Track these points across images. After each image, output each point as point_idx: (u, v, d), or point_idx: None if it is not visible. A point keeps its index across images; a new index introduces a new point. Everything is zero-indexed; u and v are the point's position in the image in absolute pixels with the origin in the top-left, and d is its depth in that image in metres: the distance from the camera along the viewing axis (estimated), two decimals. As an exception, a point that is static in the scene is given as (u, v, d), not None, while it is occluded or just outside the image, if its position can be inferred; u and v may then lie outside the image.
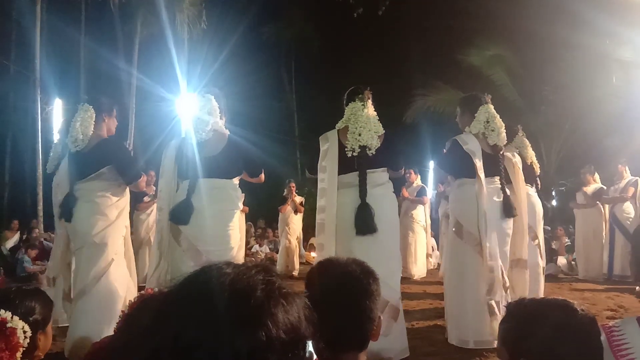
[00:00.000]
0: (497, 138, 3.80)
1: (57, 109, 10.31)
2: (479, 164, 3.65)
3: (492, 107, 3.91)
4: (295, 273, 8.19)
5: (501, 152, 3.87)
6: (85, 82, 15.47)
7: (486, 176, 3.70)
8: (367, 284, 1.41)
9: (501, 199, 3.79)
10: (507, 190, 3.83)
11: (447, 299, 3.89)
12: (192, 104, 4.33)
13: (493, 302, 3.50)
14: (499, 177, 3.84)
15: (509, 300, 3.57)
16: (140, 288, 6.26)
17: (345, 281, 1.39)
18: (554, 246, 9.08)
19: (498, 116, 3.88)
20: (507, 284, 3.75)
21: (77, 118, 3.63)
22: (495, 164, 3.80)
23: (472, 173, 3.70)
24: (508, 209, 3.77)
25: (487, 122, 3.83)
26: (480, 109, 3.86)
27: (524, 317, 1.16)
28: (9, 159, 15.52)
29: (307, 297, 1.41)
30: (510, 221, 3.87)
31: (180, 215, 3.29)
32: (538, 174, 4.55)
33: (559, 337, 1.08)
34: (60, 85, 12.85)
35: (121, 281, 3.55)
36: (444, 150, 4.97)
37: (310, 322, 0.74)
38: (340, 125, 3.50)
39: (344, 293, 1.37)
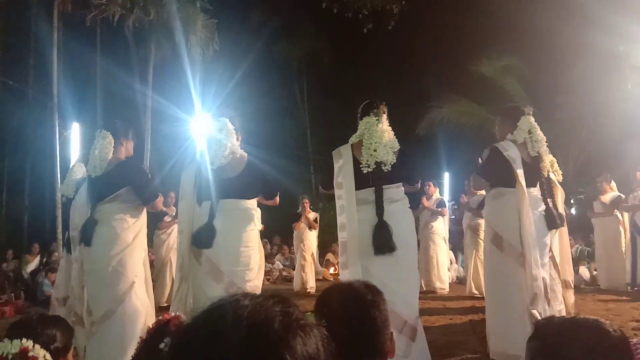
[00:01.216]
0: (540, 148, 3.77)
1: (75, 133, 10.48)
2: (519, 171, 3.59)
3: (532, 118, 3.89)
4: (312, 290, 8.16)
5: (541, 163, 3.81)
6: (102, 106, 15.74)
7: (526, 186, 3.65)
8: (372, 296, 1.46)
9: (542, 210, 3.71)
10: (549, 201, 3.75)
11: (490, 313, 3.81)
12: (206, 124, 4.38)
13: (536, 312, 3.41)
14: (539, 187, 3.77)
15: (548, 313, 3.52)
16: (162, 308, 6.33)
17: (349, 296, 1.45)
18: (572, 255, 8.93)
19: (539, 128, 3.86)
20: (549, 296, 3.69)
21: (96, 145, 3.71)
22: (534, 174, 3.74)
23: (510, 182, 3.64)
24: (551, 221, 3.69)
25: (530, 132, 3.81)
26: (522, 119, 3.84)
27: (553, 337, 1.11)
28: (28, 183, 15.81)
29: (319, 319, 1.43)
30: (549, 232, 3.80)
31: (202, 239, 3.31)
32: (560, 180, 4.49)
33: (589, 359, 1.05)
34: (77, 109, 13.10)
35: (142, 304, 3.58)
36: (479, 159, 4.91)
37: (328, 352, 0.74)
38: (353, 139, 3.47)
39: (350, 306, 1.42)
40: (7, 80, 13.71)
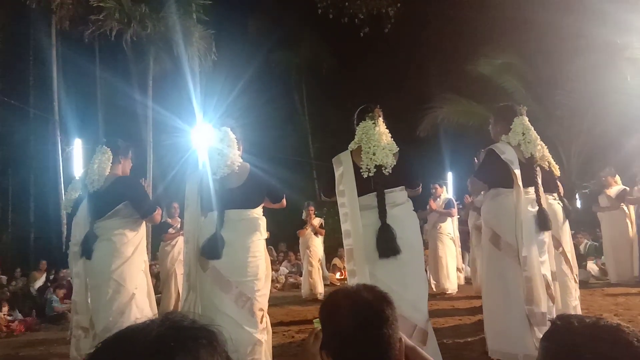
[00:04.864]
0: (534, 149, 3.75)
1: (77, 148, 10.55)
2: (517, 172, 3.59)
3: (526, 118, 3.86)
4: (320, 296, 8.14)
5: (536, 164, 3.79)
6: (103, 120, 15.83)
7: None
8: (381, 310, 1.35)
9: (535, 210, 3.68)
10: (543, 203, 3.72)
11: (488, 312, 3.79)
12: (206, 134, 4.41)
13: (535, 311, 3.40)
14: (533, 188, 3.74)
15: (553, 312, 3.48)
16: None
17: (358, 311, 1.35)
18: (581, 251, 8.90)
19: (532, 128, 3.83)
20: (554, 295, 3.67)
21: (95, 160, 3.79)
22: (530, 175, 3.72)
23: (508, 183, 3.64)
24: (543, 222, 3.65)
25: (523, 134, 3.78)
26: (515, 121, 3.81)
27: (568, 341, 1.05)
28: (32, 200, 15.87)
29: (325, 331, 1.40)
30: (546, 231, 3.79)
31: (211, 250, 3.30)
32: (558, 175, 4.49)
33: None
34: (79, 125, 13.19)
35: (143, 316, 3.58)
36: (475, 160, 4.86)
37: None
38: (352, 146, 3.44)
39: (358, 324, 1.33)
40: (8, 99, 13.81)
